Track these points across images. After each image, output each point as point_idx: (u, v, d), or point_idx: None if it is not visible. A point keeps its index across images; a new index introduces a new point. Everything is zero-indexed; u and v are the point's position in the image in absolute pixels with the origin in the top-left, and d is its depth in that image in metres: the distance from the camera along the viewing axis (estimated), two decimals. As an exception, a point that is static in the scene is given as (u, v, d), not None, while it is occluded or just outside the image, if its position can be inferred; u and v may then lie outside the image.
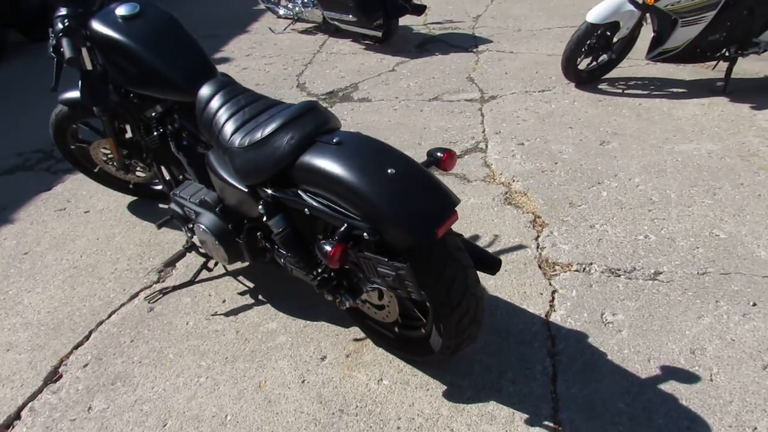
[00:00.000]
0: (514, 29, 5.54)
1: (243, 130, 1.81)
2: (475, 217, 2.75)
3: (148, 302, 2.34)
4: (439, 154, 1.77)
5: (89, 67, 2.22)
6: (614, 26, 3.83)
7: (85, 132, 2.81)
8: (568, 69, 4.02)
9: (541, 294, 2.26)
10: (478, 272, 1.72)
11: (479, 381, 1.91)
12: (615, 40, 3.93)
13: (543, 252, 2.49)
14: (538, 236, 2.60)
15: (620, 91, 3.99)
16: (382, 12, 5.05)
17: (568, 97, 3.96)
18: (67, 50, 1.96)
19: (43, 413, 1.90)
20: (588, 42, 3.90)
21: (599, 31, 3.85)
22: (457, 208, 1.58)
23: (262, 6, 6.33)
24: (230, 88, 1.97)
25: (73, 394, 1.96)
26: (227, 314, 2.26)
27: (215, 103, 1.93)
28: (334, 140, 1.66)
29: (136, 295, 2.40)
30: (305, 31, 5.99)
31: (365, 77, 4.66)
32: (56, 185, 3.31)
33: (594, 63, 4.08)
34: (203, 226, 2.09)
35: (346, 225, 1.60)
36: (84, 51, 2.22)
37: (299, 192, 1.71)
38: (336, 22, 5.46)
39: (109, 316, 2.30)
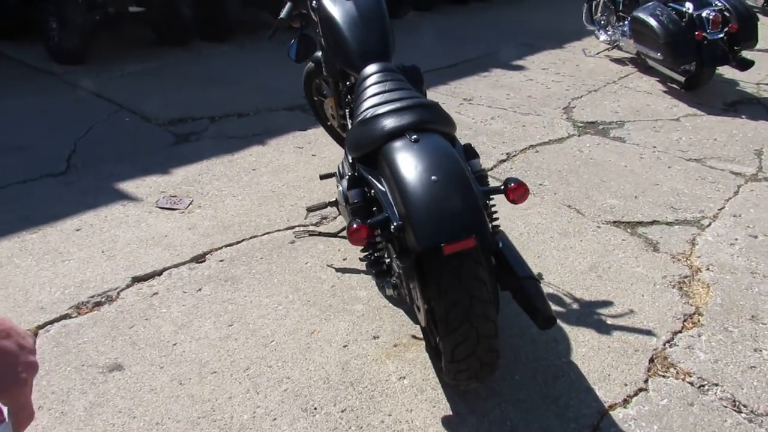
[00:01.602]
0: None
1: (369, 110, 2.01)
2: (626, 287, 2.46)
3: (294, 236, 2.75)
4: (512, 183, 1.71)
5: (320, 32, 2.66)
6: None
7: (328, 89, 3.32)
8: None
9: (626, 385, 1.97)
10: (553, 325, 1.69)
11: (485, 426, 1.81)
12: None
13: (669, 349, 2.13)
14: (680, 332, 2.22)
15: None
16: (695, 57, 4.56)
17: None
18: (283, 11, 2.41)
19: (174, 278, 2.45)
20: None
21: None
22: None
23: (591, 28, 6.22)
24: (386, 74, 2.16)
25: (199, 275, 2.47)
26: (337, 270, 2.52)
27: (367, 82, 2.15)
28: (413, 138, 1.75)
29: (292, 227, 2.83)
30: (617, 60, 5.73)
31: (639, 119, 4.32)
32: (310, 129, 3.97)
33: None
34: (341, 188, 2.36)
35: (385, 214, 1.70)
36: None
37: (377, 174, 1.85)
38: (645, 57, 5.11)
39: (263, 234, 2.78)
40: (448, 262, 1.58)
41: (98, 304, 2.29)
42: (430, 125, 1.84)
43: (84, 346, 2.08)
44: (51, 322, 2.18)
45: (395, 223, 1.64)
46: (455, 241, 1.53)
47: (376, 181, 1.83)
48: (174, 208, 2.98)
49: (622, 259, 2.65)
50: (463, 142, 2.01)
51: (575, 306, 2.35)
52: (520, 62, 5.66)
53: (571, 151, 3.77)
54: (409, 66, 2.51)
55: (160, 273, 2.48)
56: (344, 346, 2.12)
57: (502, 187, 1.73)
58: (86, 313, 2.24)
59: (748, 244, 2.77)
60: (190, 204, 3.03)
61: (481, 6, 8.37)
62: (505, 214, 2.98)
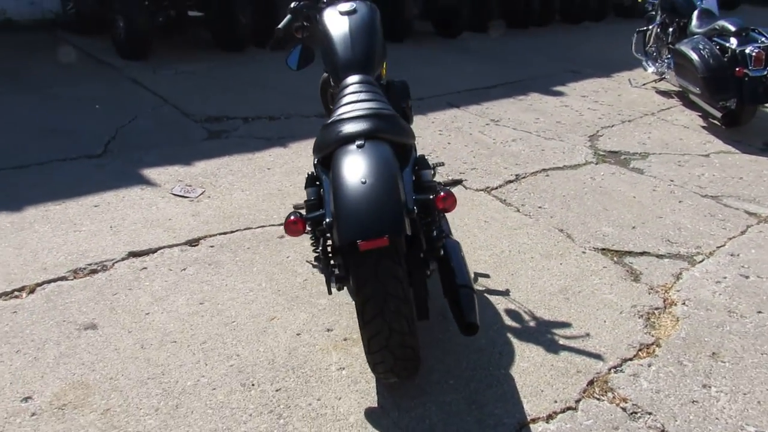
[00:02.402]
0: None
1: (335, 116, 2.15)
2: (590, 311, 2.48)
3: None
4: (441, 193, 1.82)
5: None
6: None
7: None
8: None
9: (555, 402, 2.02)
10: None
11: (405, 421, 1.91)
12: None
13: (613, 374, 2.15)
14: (630, 360, 2.23)
15: None
16: (735, 93, 4.45)
17: None
18: (281, 23, 2.61)
19: (165, 257, 2.68)
20: None
21: None
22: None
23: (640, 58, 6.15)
24: (361, 85, 2.29)
25: (188, 257, 2.69)
26: (314, 267, 2.67)
27: (344, 92, 2.30)
28: (358, 143, 1.89)
29: (286, 224, 3.01)
30: (663, 92, 5.64)
31: (666, 152, 4.26)
32: (333, 136, 4.15)
33: None
34: None
35: (323, 211, 1.84)
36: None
37: (328, 175, 2.00)
38: (686, 91, 5.01)
39: (258, 227, 2.97)
40: (367, 259, 1.71)
41: (93, 272, 2.54)
42: (382, 134, 1.96)
43: (70, 305, 2.32)
44: (48, 282, 2.45)
45: (327, 220, 1.78)
46: (369, 239, 1.65)
47: (327, 181, 1.98)
48: (185, 195, 3.23)
49: (596, 285, 2.66)
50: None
51: (532, 323, 2.40)
52: (560, 88, 5.67)
53: (583, 177, 3.77)
54: (397, 81, 2.65)
55: (155, 251, 2.72)
56: (297, 334, 2.26)
57: (432, 196, 1.83)
58: (81, 277, 2.50)
59: (735, 283, 2.72)
60: (201, 194, 3.27)
61: (538, 30, 8.39)
62: (493, 233, 3.06)
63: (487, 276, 2.70)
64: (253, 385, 2.02)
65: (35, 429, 1.79)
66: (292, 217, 1.81)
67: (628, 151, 4.24)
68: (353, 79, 2.33)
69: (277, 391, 2.00)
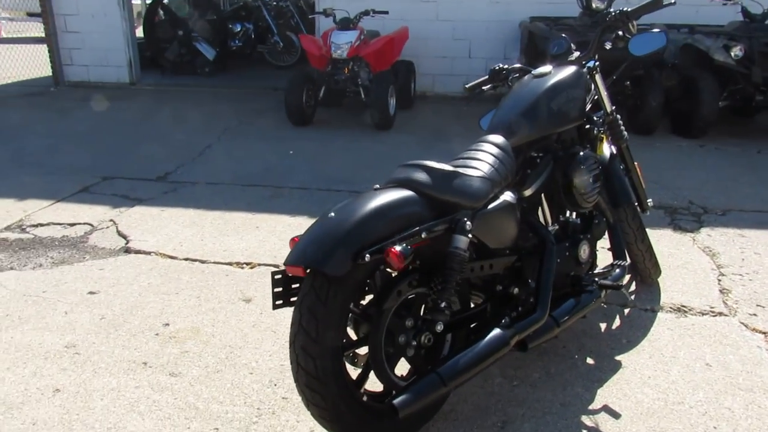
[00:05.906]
0: None
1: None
2: None
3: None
4: (395, 246, 1.61)
5: None
6: None
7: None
8: None
9: None
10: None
11: None
12: None
13: None
14: None
15: None
16: None
17: None
18: (472, 82, 2.61)
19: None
20: None
21: None
22: None
23: None
24: (488, 145, 2.11)
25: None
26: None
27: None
28: (375, 186, 1.85)
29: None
30: None
31: None
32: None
33: None
34: None
35: None
36: None
37: None
38: None
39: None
40: (304, 286, 1.69)
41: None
42: (415, 185, 1.81)
43: (255, 282, 2.92)
44: (265, 264, 3.10)
45: None
46: (292, 264, 1.65)
47: None
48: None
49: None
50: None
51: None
52: None
53: None
54: (571, 155, 2.32)
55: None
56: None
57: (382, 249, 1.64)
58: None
59: None
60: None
61: None
62: (697, 380, 2.23)
63: (617, 416, 2.01)
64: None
65: (147, 343, 2.44)
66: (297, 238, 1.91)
67: None
68: (487, 137, 2.22)
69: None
